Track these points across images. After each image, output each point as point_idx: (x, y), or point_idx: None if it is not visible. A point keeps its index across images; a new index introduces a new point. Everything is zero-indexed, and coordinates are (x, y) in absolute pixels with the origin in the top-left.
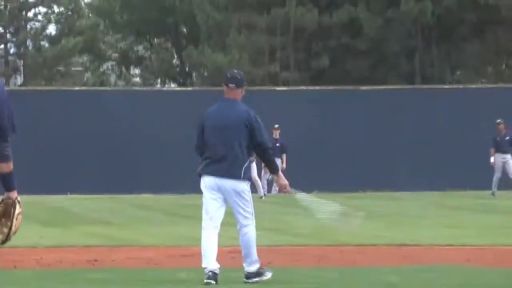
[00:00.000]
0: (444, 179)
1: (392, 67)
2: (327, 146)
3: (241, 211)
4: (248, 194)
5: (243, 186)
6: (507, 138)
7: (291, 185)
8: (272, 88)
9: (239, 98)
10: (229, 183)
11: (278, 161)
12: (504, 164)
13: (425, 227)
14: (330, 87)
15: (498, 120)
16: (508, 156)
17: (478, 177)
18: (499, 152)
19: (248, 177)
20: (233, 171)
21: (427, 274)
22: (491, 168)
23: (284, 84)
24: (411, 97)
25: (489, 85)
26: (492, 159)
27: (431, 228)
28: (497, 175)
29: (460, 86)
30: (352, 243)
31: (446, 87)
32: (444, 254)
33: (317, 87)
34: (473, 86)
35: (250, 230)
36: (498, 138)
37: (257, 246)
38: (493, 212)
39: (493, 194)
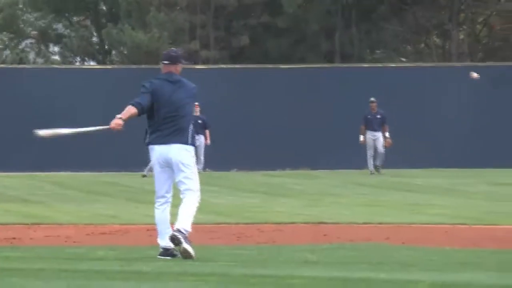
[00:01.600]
0: (362, 157)
1: (312, 46)
2: (246, 124)
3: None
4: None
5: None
6: (378, 116)
7: (211, 164)
8: (192, 66)
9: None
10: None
11: (201, 137)
12: (375, 141)
13: (344, 205)
14: (250, 66)
15: (371, 99)
16: (379, 134)
17: (394, 155)
18: (370, 130)
19: None
20: None
21: (346, 252)
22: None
23: (204, 63)
24: (331, 75)
25: (408, 64)
26: (361, 137)
27: (350, 206)
28: (370, 152)
29: (379, 65)
30: (271, 222)
31: (366, 65)
32: (363, 232)
33: (237, 66)
34: (392, 65)
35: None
36: (369, 116)
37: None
38: (410, 191)
39: (372, 172)
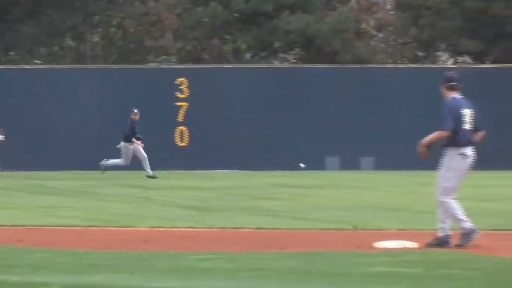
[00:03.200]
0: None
1: None
2: None
3: None
4: None
5: None
6: None
7: None
8: None
9: None
10: None
11: None
12: None
13: None
14: None
15: None
16: None
17: (25, 156)
18: None
19: None
20: None
21: None
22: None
23: None
24: None
25: (42, 66)
26: None
27: None
28: None
29: (14, 67)
30: None
31: (0, 67)
32: None
33: None
34: (26, 66)
35: None
36: None
37: None
38: (43, 193)
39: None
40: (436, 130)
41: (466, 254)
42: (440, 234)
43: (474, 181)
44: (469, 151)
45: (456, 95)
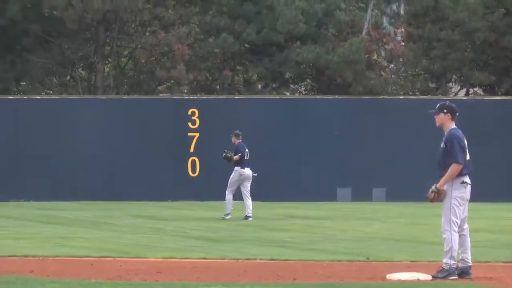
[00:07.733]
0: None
1: None
2: None
3: None
4: None
5: None
6: None
7: None
8: None
9: None
10: None
11: None
12: None
13: None
14: None
15: None
16: None
17: (43, 187)
18: None
19: None
20: None
21: None
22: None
23: None
24: None
25: (54, 96)
26: None
27: None
28: None
29: (25, 97)
30: None
31: (11, 97)
32: (7, 265)
33: None
34: (38, 97)
35: None
36: None
37: None
38: (56, 223)
39: None
40: (446, 165)
41: (477, 286)
42: (461, 265)
43: (486, 213)
44: (468, 179)
45: (454, 125)
